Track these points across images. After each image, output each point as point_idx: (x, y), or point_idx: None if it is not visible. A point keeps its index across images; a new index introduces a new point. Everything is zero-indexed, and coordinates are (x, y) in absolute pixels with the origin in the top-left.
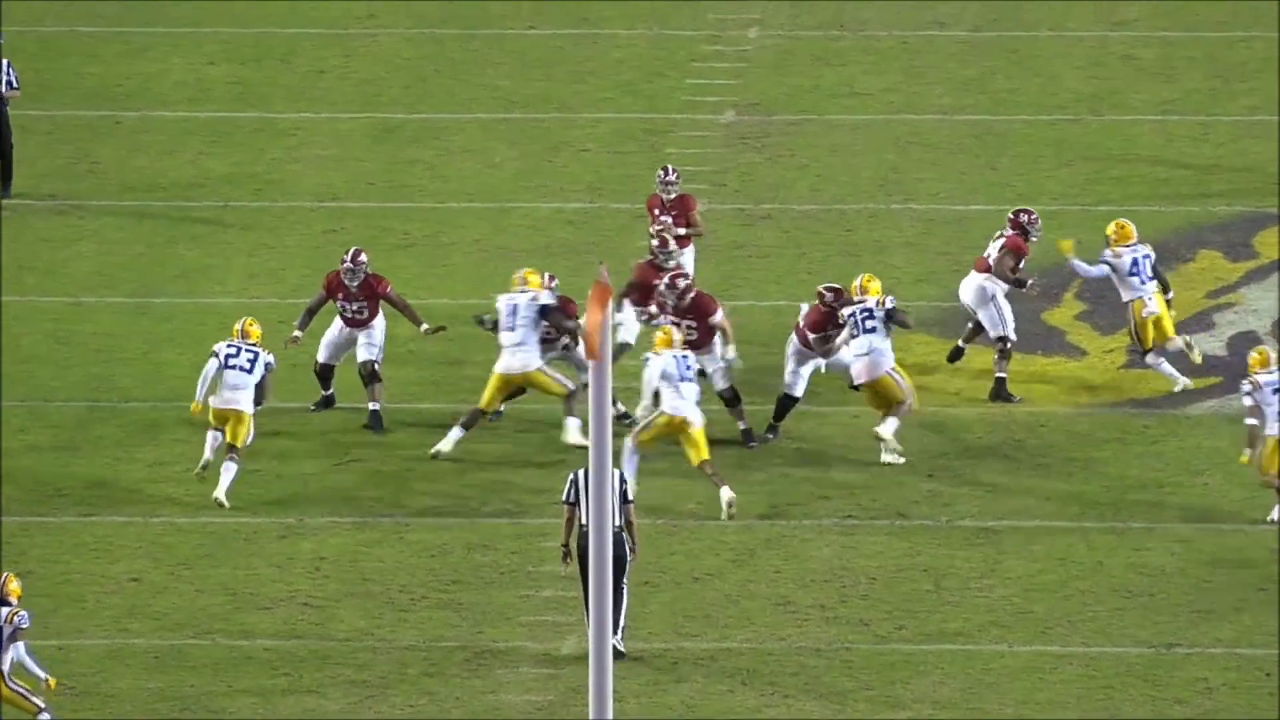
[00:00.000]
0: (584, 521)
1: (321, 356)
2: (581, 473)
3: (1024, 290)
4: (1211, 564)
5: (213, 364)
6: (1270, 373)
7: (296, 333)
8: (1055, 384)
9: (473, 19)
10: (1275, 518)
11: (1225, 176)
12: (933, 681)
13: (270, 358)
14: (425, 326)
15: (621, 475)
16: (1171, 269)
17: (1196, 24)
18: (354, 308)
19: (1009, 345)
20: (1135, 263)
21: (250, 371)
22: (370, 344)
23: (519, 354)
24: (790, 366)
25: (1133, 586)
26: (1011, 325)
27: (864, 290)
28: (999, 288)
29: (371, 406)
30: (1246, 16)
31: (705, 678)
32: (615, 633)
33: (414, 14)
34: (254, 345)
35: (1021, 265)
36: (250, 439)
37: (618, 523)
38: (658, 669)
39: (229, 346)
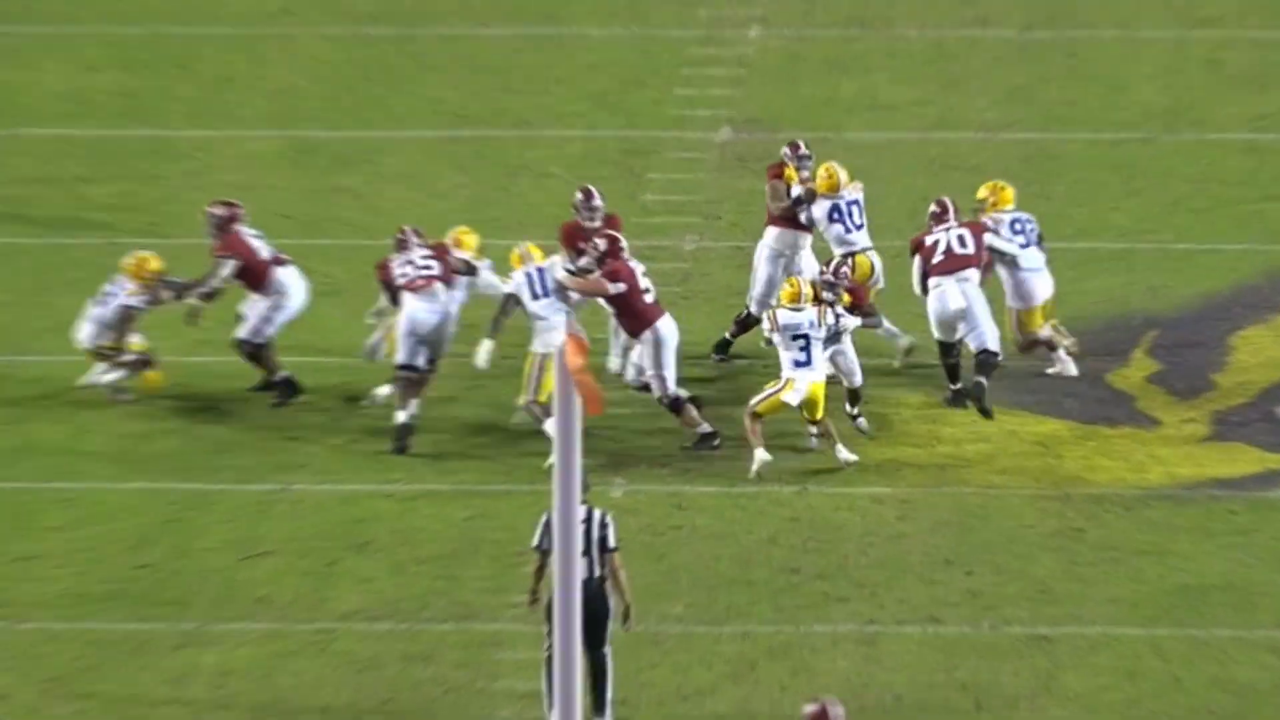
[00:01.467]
0: None
1: (241, 333)
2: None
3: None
4: None
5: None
6: None
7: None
8: (1123, 460)
9: (411, 15)
10: None
11: None
12: None
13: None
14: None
15: (602, 519)
16: (1264, 320)
17: None
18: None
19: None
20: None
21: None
22: (264, 323)
23: (554, 329)
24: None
25: (1217, 706)
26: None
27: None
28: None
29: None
30: None
31: None
32: (603, 712)
33: (338, 9)
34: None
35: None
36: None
37: (596, 572)
38: None
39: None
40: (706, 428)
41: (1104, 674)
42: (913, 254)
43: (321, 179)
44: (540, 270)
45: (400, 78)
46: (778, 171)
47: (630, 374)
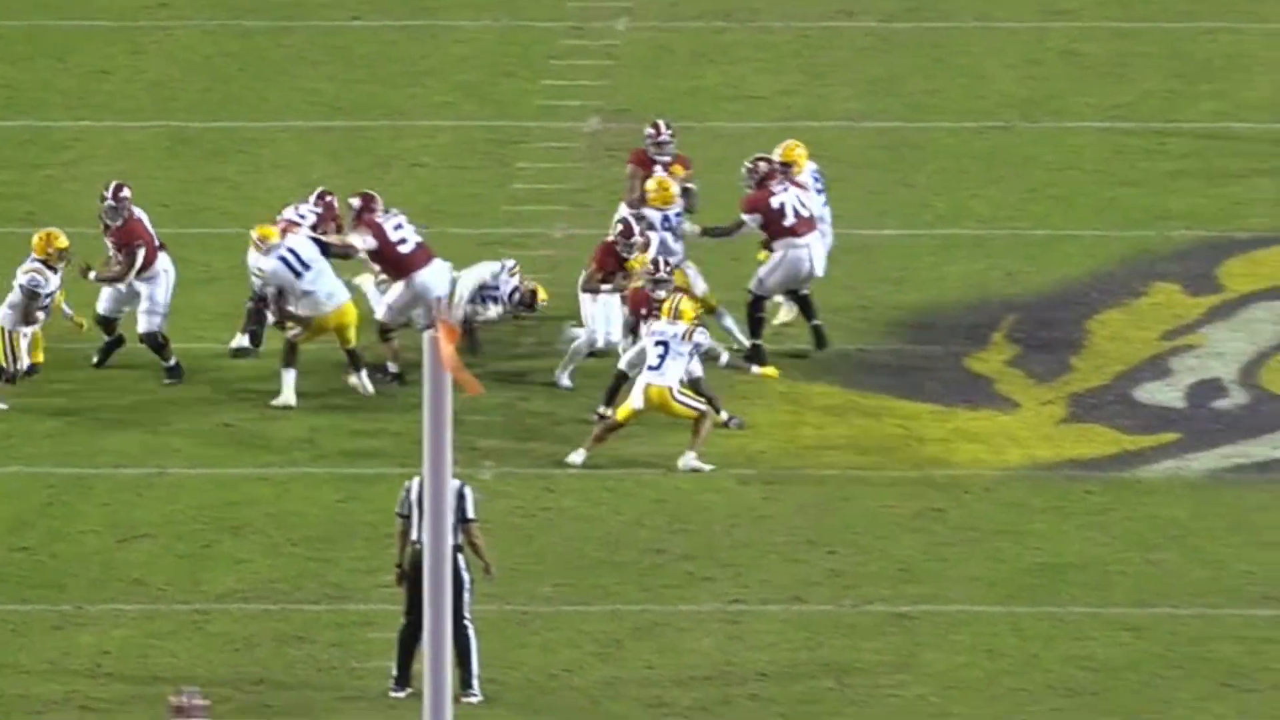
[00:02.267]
0: (415, 538)
1: (101, 307)
2: (415, 482)
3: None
4: (1166, 655)
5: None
6: None
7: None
8: (982, 442)
9: (285, 9)
10: None
11: (1185, 195)
12: None
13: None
14: (94, 274)
15: (460, 490)
16: (1120, 305)
17: (1152, 13)
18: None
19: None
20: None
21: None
22: (152, 310)
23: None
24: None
25: (1074, 682)
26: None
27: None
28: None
29: (168, 363)
30: (1211, 6)
31: None
32: (470, 685)
33: (215, 3)
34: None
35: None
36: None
37: (453, 542)
38: None
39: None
40: (394, 368)
41: (963, 651)
42: (750, 212)
43: (198, 169)
44: (292, 249)
45: (275, 70)
46: (639, 157)
47: (383, 313)
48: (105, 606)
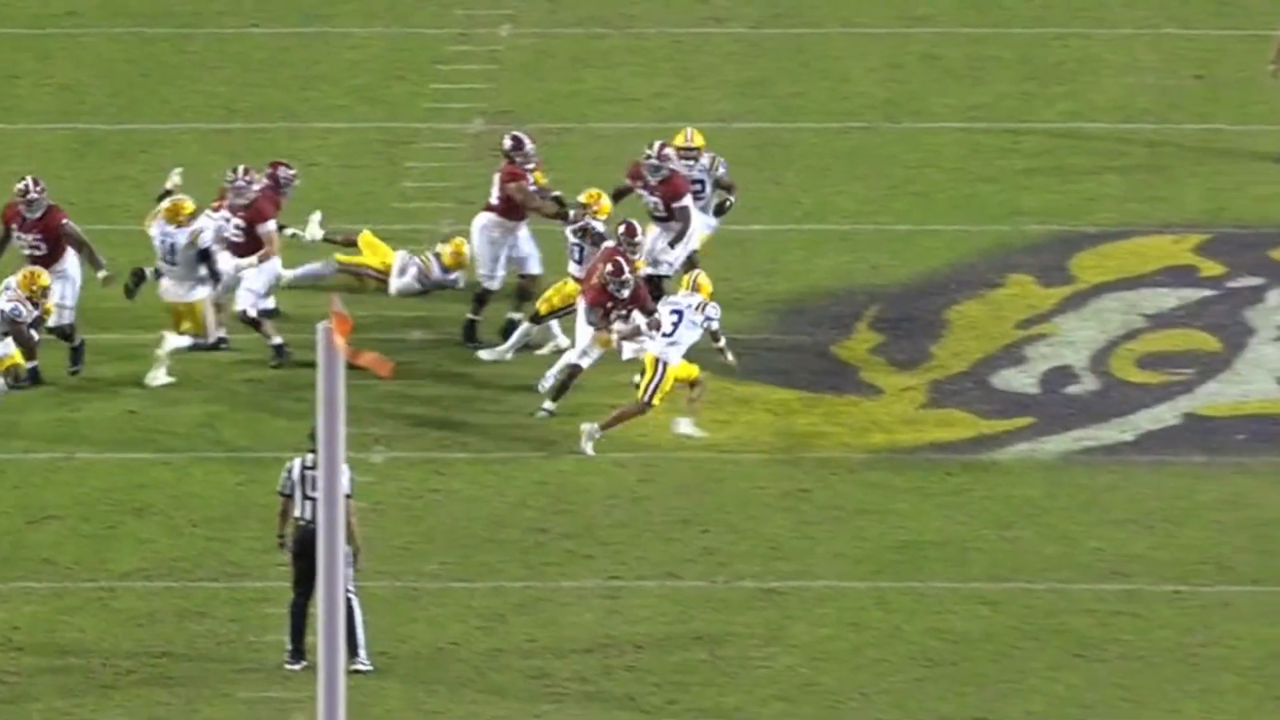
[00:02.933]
0: (300, 514)
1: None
2: (296, 463)
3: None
4: (1021, 628)
5: None
6: None
7: None
8: (846, 427)
9: (187, 17)
10: None
11: (1038, 192)
12: None
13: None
14: (104, 273)
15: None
16: (978, 296)
17: (1006, 19)
18: (30, 239)
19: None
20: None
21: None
22: (61, 305)
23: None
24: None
25: (934, 654)
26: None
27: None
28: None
29: (72, 369)
30: (1061, 12)
31: None
32: (356, 654)
33: (120, 11)
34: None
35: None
36: None
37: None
38: None
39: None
40: (278, 340)
41: (830, 624)
42: (681, 196)
43: (104, 169)
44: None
45: (176, 74)
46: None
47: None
48: (15, 584)
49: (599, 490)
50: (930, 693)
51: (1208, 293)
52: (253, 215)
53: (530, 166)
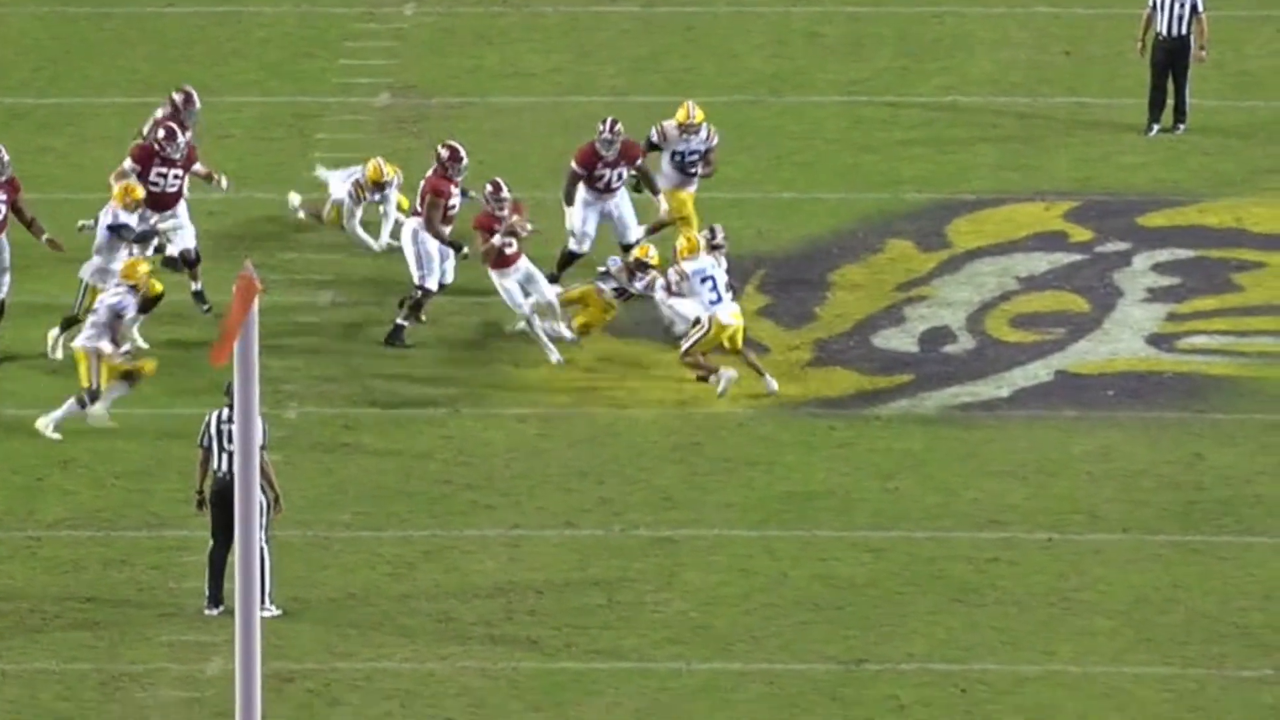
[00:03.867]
0: (217, 467)
1: None
2: (213, 416)
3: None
4: (903, 574)
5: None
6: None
7: None
8: (735, 383)
9: None
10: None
11: (916, 162)
12: (606, 702)
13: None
14: (46, 237)
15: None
16: (859, 260)
17: None
18: None
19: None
20: None
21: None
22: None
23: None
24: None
25: (820, 599)
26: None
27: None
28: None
29: None
30: None
31: (361, 701)
32: (263, 604)
33: None
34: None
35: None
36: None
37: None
38: (310, 691)
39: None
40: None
41: (721, 571)
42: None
43: (30, 140)
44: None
45: (98, 51)
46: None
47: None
48: None
49: (500, 444)
50: (816, 636)
51: (1077, 257)
52: (188, 161)
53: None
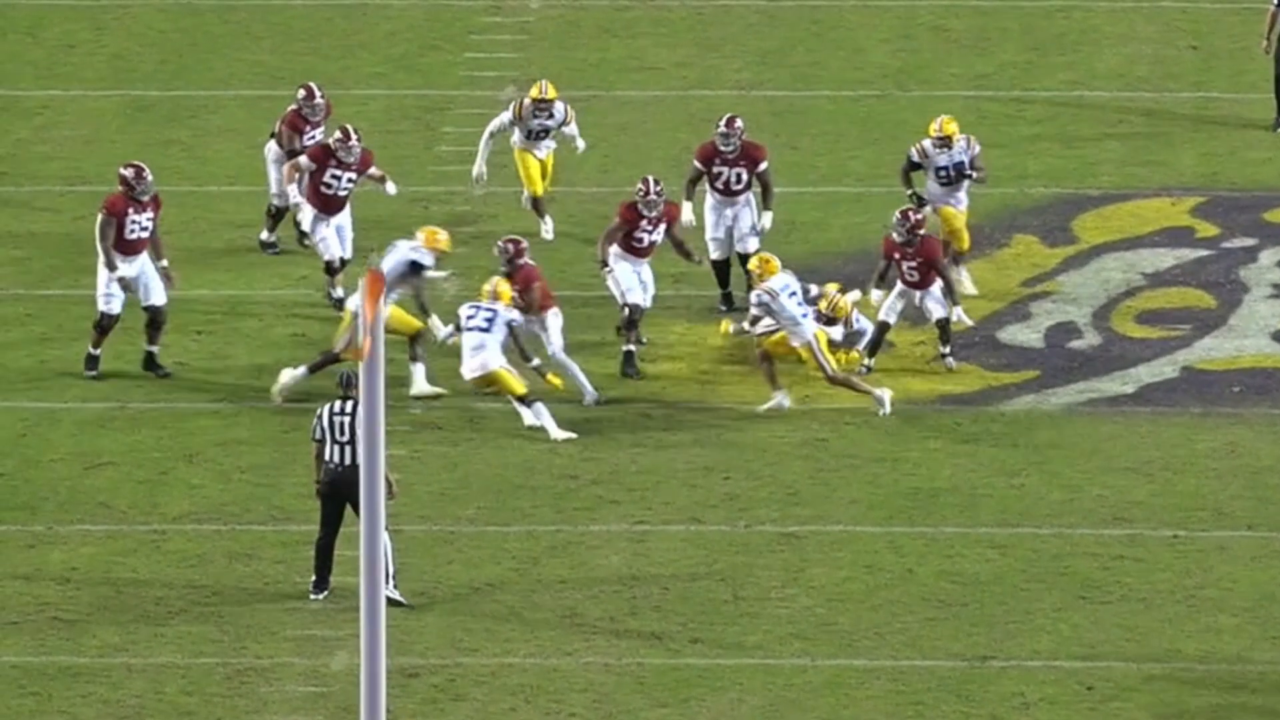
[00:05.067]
0: (329, 458)
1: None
2: (326, 408)
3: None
4: (1028, 571)
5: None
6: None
7: None
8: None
9: None
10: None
11: (1042, 157)
12: (730, 699)
13: (512, 315)
14: (164, 264)
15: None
16: (985, 255)
17: None
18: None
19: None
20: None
21: (489, 330)
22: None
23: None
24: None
25: (944, 595)
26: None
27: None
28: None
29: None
30: None
31: (485, 696)
32: (387, 583)
33: None
34: (494, 305)
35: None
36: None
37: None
38: (435, 686)
39: (469, 308)
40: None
41: (846, 567)
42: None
43: (155, 133)
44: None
45: (223, 44)
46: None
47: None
48: (73, 527)
49: (626, 439)
50: (941, 632)
51: (1203, 253)
52: (363, 165)
53: (655, 215)
